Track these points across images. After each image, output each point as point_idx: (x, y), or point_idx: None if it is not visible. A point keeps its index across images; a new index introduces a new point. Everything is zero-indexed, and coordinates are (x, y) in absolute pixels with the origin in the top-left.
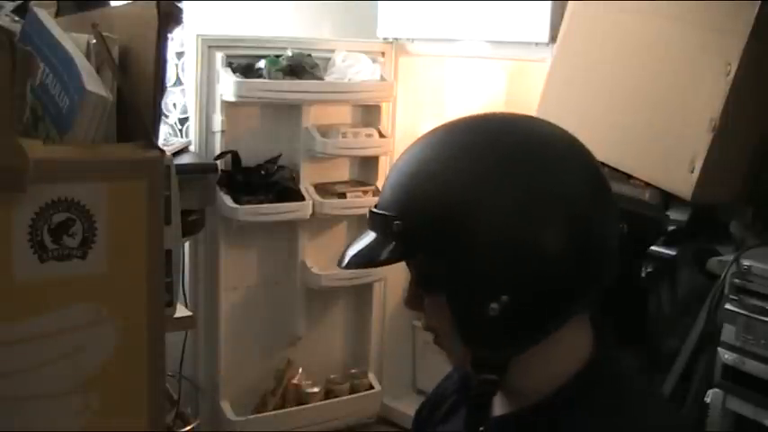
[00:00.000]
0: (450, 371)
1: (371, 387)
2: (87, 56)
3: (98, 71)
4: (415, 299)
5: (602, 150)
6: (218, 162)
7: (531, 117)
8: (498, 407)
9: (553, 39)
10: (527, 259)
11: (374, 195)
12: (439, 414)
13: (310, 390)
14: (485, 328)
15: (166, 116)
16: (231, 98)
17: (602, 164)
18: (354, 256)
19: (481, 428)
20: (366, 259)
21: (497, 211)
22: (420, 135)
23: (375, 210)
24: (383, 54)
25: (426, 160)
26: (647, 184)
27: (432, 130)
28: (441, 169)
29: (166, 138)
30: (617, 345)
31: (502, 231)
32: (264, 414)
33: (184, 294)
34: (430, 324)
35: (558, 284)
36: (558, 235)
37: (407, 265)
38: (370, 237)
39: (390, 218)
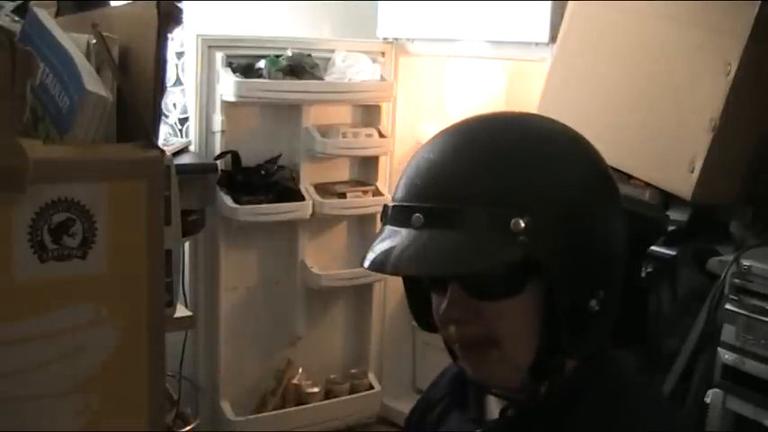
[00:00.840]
0: (437, 377)
1: (371, 387)
2: (87, 56)
3: (98, 71)
4: (470, 306)
5: (602, 150)
6: (218, 162)
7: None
8: (494, 409)
9: (553, 39)
10: (613, 253)
11: (374, 195)
12: (431, 418)
13: (310, 390)
14: (585, 324)
15: (166, 116)
16: (231, 98)
17: None
18: (448, 260)
19: (478, 431)
20: (477, 264)
21: (603, 205)
22: (421, 135)
23: (458, 204)
24: (383, 54)
25: (541, 149)
26: (647, 184)
27: (502, 124)
28: (563, 166)
29: (166, 138)
30: (612, 344)
31: (604, 228)
32: (264, 414)
33: (184, 294)
34: (490, 331)
35: (621, 278)
36: (624, 231)
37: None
38: (441, 235)
39: (507, 214)
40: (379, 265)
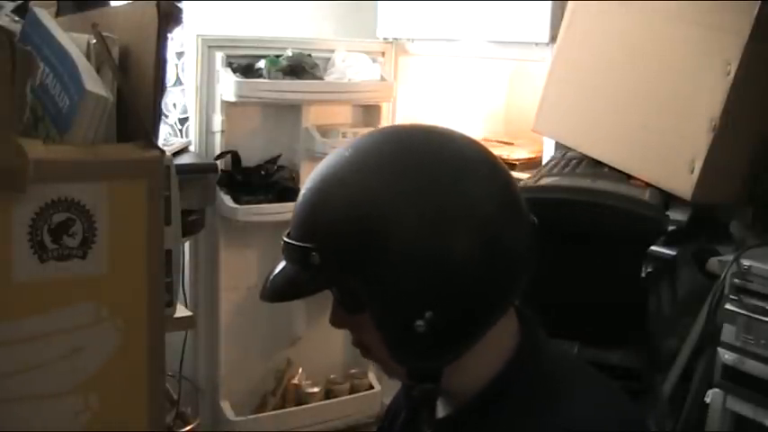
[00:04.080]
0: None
1: (371, 387)
2: (87, 56)
3: (98, 71)
4: (339, 318)
5: (602, 150)
6: (218, 162)
7: (443, 130)
8: (440, 409)
9: (553, 39)
10: (446, 275)
11: None
12: (398, 423)
13: (310, 390)
14: (414, 344)
15: (166, 116)
16: (231, 98)
17: (603, 163)
18: (275, 290)
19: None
20: (288, 294)
21: (412, 229)
22: None
23: (288, 240)
24: (383, 54)
25: (333, 183)
26: (647, 184)
27: (338, 153)
28: (349, 193)
29: (166, 138)
30: (546, 333)
31: (418, 249)
32: (264, 414)
33: (184, 294)
34: (359, 340)
35: (478, 296)
36: (473, 249)
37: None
38: (288, 267)
39: (306, 249)
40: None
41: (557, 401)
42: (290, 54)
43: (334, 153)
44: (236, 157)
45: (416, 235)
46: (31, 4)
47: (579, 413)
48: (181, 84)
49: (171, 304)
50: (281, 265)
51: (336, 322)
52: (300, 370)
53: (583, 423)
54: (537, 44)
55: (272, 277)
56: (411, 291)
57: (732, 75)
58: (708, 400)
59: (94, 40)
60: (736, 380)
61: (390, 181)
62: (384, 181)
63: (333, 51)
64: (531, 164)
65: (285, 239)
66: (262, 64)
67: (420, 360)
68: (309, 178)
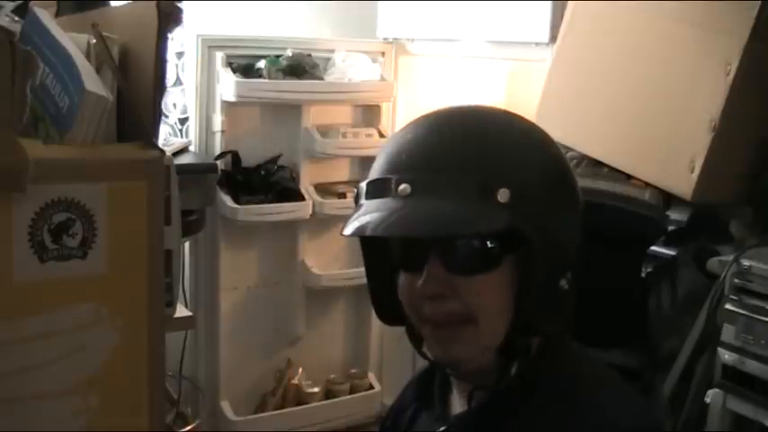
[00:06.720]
0: (409, 381)
1: (371, 387)
2: (87, 56)
3: (98, 71)
4: (443, 280)
5: (602, 150)
6: (218, 162)
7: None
8: (457, 406)
9: (553, 39)
10: (576, 241)
11: None
12: (403, 420)
13: (310, 390)
14: (554, 304)
15: (166, 116)
16: (231, 98)
17: (603, 163)
18: (442, 223)
19: (443, 428)
20: (465, 228)
21: (569, 194)
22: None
23: (442, 173)
24: (383, 54)
25: (507, 128)
26: (647, 184)
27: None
28: (535, 138)
29: (166, 138)
30: (613, 344)
31: (568, 213)
32: (264, 414)
33: (184, 294)
34: (466, 307)
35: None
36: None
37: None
38: (443, 203)
39: (492, 183)
40: (363, 231)
41: (596, 394)
42: (290, 54)
43: (456, 114)
44: (236, 157)
45: (569, 196)
46: (31, 4)
47: (620, 406)
48: (181, 84)
49: (171, 304)
50: (395, 202)
51: (439, 286)
52: (300, 370)
53: (626, 415)
54: (537, 44)
55: (386, 214)
56: (565, 247)
57: (732, 75)
58: (708, 400)
59: (94, 40)
60: (736, 380)
61: (557, 152)
62: (556, 152)
63: (333, 51)
64: None
65: (427, 174)
66: (262, 64)
67: (552, 320)
68: (444, 121)
